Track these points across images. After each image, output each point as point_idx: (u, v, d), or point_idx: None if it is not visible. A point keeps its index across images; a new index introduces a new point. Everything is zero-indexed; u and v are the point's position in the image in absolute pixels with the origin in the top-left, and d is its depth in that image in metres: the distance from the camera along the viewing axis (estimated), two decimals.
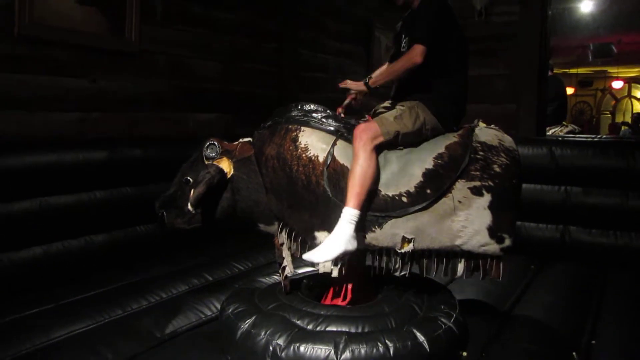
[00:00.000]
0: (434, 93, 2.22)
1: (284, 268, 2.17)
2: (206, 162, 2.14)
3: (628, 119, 12.82)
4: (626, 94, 14.42)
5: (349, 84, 2.39)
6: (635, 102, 14.32)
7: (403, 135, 2.11)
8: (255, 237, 2.45)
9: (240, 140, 2.26)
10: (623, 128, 10.93)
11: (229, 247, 3.31)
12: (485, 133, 2.21)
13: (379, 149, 2.07)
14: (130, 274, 2.78)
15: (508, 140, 2.22)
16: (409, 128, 2.12)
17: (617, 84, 13.97)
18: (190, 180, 2.14)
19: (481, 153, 2.12)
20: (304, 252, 2.09)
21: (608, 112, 14.52)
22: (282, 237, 2.18)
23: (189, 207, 2.05)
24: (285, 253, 2.18)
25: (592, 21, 7.63)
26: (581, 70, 12.89)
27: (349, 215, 1.96)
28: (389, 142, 2.09)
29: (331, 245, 1.94)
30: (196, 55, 3.82)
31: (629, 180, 3.28)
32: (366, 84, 2.27)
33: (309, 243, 2.09)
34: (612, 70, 13.38)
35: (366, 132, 2.04)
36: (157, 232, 3.06)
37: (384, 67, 2.39)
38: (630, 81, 14.20)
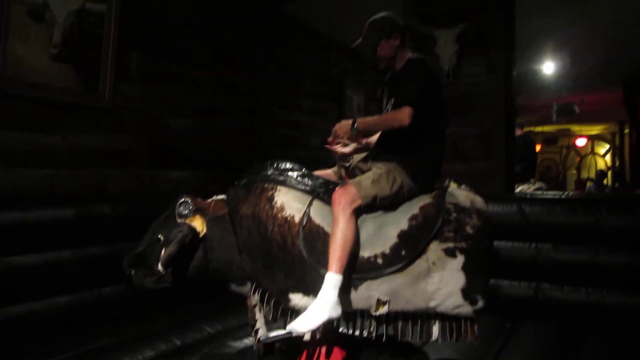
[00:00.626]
0: (412, 155, 2.25)
1: (257, 331, 2.11)
2: (178, 220, 2.11)
3: (593, 175, 13.21)
4: (590, 151, 14.92)
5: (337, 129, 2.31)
6: (598, 158, 14.81)
7: (381, 198, 2.12)
8: (227, 298, 2.39)
9: (214, 197, 2.24)
10: (588, 184, 11.24)
11: (199, 308, 3.21)
12: (457, 194, 2.24)
13: (357, 213, 2.07)
14: (95, 338, 2.64)
15: (479, 202, 2.25)
16: (387, 192, 2.13)
17: (580, 142, 14.47)
18: (162, 238, 2.09)
19: (454, 214, 2.14)
20: (277, 314, 2.05)
21: (574, 169, 14.96)
22: (255, 299, 2.13)
23: (160, 266, 2.01)
24: (258, 315, 2.13)
25: (554, 82, 7.96)
26: (546, 129, 13.33)
27: (333, 280, 1.94)
28: (368, 206, 2.10)
29: (316, 313, 1.91)
30: (170, 112, 3.82)
31: (597, 236, 3.32)
32: (353, 130, 2.23)
33: (283, 305, 2.05)
34: (575, 128, 13.88)
35: (344, 196, 2.05)
36: (124, 293, 2.96)
37: (372, 117, 2.34)
38: (593, 138, 14.73)
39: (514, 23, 3.93)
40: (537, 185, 5.57)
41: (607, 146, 14.65)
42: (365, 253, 2.05)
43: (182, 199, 2.15)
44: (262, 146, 4.69)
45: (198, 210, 2.14)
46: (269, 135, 4.86)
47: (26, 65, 2.86)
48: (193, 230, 2.07)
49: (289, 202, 2.09)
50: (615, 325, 3.12)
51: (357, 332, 2.07)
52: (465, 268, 2.07)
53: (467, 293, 2.06)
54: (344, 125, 2.26)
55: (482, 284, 2.12)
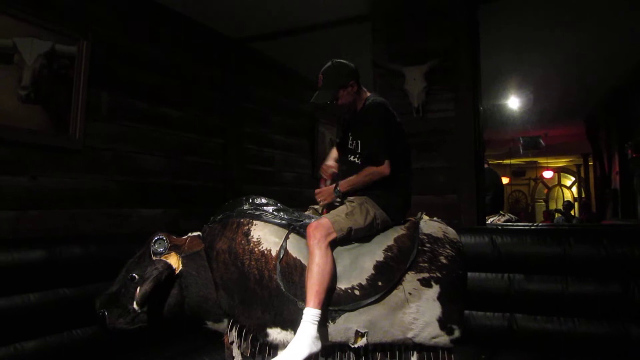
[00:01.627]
0: (381, 188, 2.30)
1: None
2: (153, 258, 2.09)
3: (560, 206, 13.48)
4: (556, 183, 15.29)
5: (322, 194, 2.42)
6: (565, 190, 15.17)
7: (355, 230, 2.15)
8: (200, 336, 2.35)
9: (189, 234, 2.23)
10: (557, 215, 11.45)
11: (173, 349, 3.12)
12: (430, 225, 2.28)
13: (333, 246, 2.08)
14: None
15: (452, 232, 2.30)
16: (361, 224, 2.16)
17: (547, 174, 14.83)
18: (136, 277, 2.06)
19: (428, 245, 2.17)
20: (255, 350, 2.02)
21: (542, 200, 15.27)
22: (232, 335, 2.11)
23: (135, 305, 1.97)
24: (236, 352, 2.10)
25: (519, 117, 8.20)
26: (514, 161, 13.64)
27: (311, 315, 1.93)
28: (343, 238, 2.12)
29: (297, 349, 1.90)
30: (142, 151, 3.81)
31: (566, 266, 3.37)
32: (336, 192, 2.34)
33: (261, 340, 2.03)
34: (542, 160, 14.24)
35: (319, 230, 2.06)
36: (96, 335, 2.87)
37: (352, 177, 2.37)
38: (559, 171, 15.11)
39: (479, 60, 4.06)
40: (507, 216, 5.66)
41: (573, 178, 15.04)
42: (342, 285, 2.05)
43: (157, 237, 2.13)
44: (235, 182, 4.69)
45: (173, 248, 2.13)
46: (242, 171, 4.88)
47: None
48: (169, 267, 2.05)
49: (266, 236, 2.10)
50: (588, 354, 3.15)
51: None
52: (440, 298, 2.10)
53: (444, 323, 2.08)
54: (326, 190, 2.37)
55: (458, 313, 2.14)
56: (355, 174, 2.33)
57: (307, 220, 2.17)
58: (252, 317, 2.05)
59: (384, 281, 2.06)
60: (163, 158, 4.00)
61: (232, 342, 2.12)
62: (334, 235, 2.08)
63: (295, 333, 1.95)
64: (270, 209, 2.20)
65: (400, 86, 3.95)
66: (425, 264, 2.12)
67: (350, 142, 2.44)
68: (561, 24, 4.64)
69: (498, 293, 3.47)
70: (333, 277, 2.03)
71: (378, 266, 2.09)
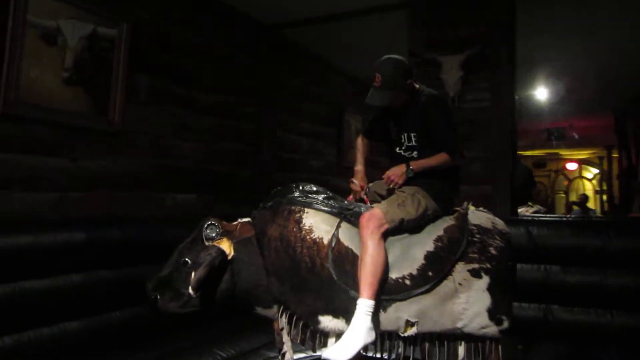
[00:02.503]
0: (433, 178, 2.29)
1: (284, 354, 2.09)
2: (206, 243, 2.09)
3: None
4: (577, 175, 15.11)
5: (392, 176, 2.31)
6: (586, 182, 15.00)
7: (407, 222, 2.15)
8: (239, 321, 2.35)
9: (239, 220, 2.24)
10: (574, 208, 11.33)
11: (211, 332, 3.15)
12: (478, 216, 2.27)
13: (385, 236, 2.08)
14: None
15: (500, 223, 2.28)
16: (413, 215, 2.15)
17: (571, 166, 14.66)
18: (189, 261, 2.07)
19: (477, 236, 2.16)
20: (305, 337, 2.03)
21: (562, 192, 15.11)
22: (282, 322, 2.12)
23: (190, 290, 1.98)
24: (285, 338, 2.11)
25: (547, 108, 8.10)
26: (535, 153, 13.49)
27: (365, 306, 1.94)
28: (394, 229, 2.11)
29: (352, 340, 1.90)
30: (177, 135, 3.83)
31: (605, 259, 3.34)
32: (409, 172, 2.27)
33: (312, 327, 2.04)
34: (563, 152, 14.06)
35: (372, 221, 2.06)
36: (134, 317, 2.91)
37: (425, 159, 2.32)
38: (580, 163, 14.93)
39: (516, 50, 4.00)
40: (536, 207, 5.63)
41: (595, 170, 14.85)
42: (393, 275, 2.05)
43: (209, 222, 2.14)
44: (266, 168, 4.69)
45: (225, 233, 2.13)
46: (273, 157, 4.88)
47: (39, 88, 2.86)
48: (222, 252, 2.06)
49: (317, 224, 2.10)
50: (626, 347, 3.13)
51: (385, 355, 2.06)
52: (490, 288, 2.09)
53: (493, 313, 2.07)
54: (399, 170, 2.28)
55: (507, 304, 2.13)
56: (428, 157, 2.29)
57: (357, 209, 2.17)
58: (303, 304, 2.06)
59: (434, 271, 2.06)
60: (198, 143, 4.02)
61: (282, 329, 2.13)
62: (386, 226, 2.07)
63: (346, 321, 1.96)
64: (320, 197, 2.19)
65: (436, 75, 3.91)
66: (475, 255, 2.11)
67: (397, 134, 2.41)
68: (592, 11, 4.52)
69: (534, 284, 3.46)
70: (385, 268, 2.03)
71: (428, 256, 2.09)
